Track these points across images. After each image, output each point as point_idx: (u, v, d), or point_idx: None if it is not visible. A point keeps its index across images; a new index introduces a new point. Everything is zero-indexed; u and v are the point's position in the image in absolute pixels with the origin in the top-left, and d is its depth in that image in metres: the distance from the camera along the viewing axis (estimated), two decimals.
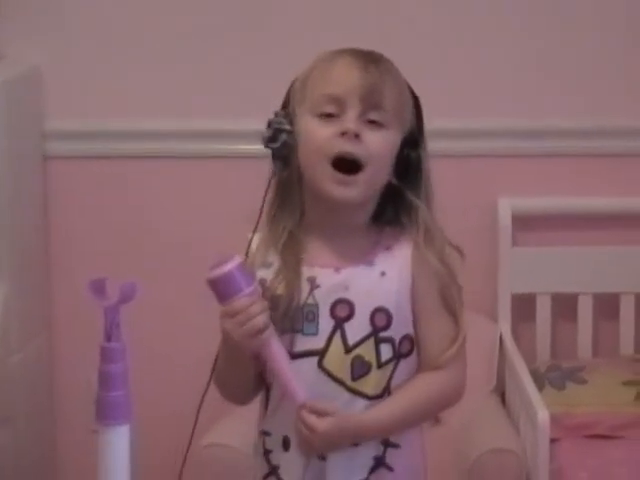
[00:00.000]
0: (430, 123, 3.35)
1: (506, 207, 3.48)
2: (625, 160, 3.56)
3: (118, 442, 1.90)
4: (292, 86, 2.25)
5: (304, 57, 2.25)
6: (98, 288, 1.91)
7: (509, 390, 3.43)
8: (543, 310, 3.59)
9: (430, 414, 2.30)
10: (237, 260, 2.09)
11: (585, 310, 3.56)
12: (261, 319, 2.09)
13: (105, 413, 1.90)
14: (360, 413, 2.24)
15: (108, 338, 1.90)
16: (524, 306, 3.59)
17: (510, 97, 3.58)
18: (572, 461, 3.12)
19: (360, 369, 2.21)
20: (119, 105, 3.48)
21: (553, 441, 3.01)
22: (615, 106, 3.58)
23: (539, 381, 3.32)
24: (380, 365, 2.19)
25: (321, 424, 2.15)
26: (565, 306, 3.60)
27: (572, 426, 3.27)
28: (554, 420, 3.02)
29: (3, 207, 3.36)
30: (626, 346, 3.57)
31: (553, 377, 3.47)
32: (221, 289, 2.07)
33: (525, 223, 3.54)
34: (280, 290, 2.18)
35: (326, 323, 2.19)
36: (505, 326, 3.54)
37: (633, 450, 3.19)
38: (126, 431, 1.91)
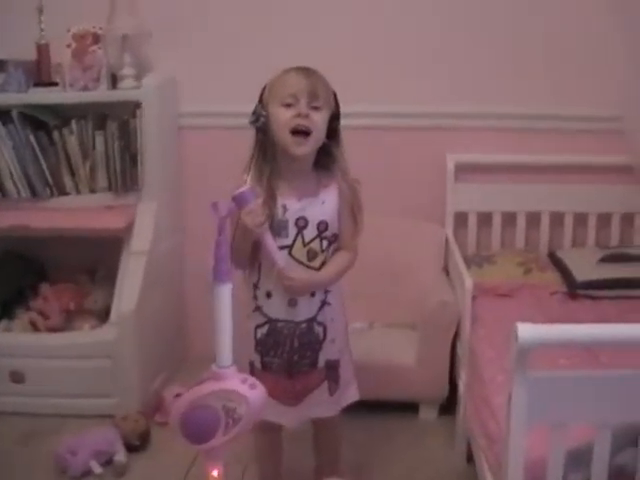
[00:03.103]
0: (408, 109, 3.85)
1: (451, 159, 3.96)
2: (521, 132, 3.99)
3: (225, 293, 2.26)
4: (264, 89, 2.60)
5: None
6: (214, 206, 2.27)
7: (450, 268, 3.77)
8: (472, 221, 3.98)
9: (341, 274, 2.73)
10: (248, 185, 2.48)
11: (496, 221, 3.98)
12: (262, 217, 2.50)
13: (217, 277, 2.25)
14: (314, 273, 2.65)
15: (219, 234, 2.26)
16: (461, 219, 3.98)
17: (452, 89, 3.95)
18: (484, 309, 3.46)
19: (312, 255, 2.68)
20: (223, 96, 3.97)
21: (474, 298, 3.31)
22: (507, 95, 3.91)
23: (467, 263, 3.63)
24: (322, 251, 2.63)
25: (295, 275, 2.56)
26: (484, 219, 3.99)
27: (485, 289, 3.58)
28: (475, 285, 3.28)
29: (157, 157, 3.82)
30: (520, 243, 4.01)
31: (476, 260, 3.84)
32: (240, 200, 2.48)
33: (462, 169, 3.95)
34: (266, 212, 2.55)
35: (292, 230, 2.64)
36: (449, 230, 3.94)
37: (520, 303, 3.53)
38: (229, 287, 2.26)
